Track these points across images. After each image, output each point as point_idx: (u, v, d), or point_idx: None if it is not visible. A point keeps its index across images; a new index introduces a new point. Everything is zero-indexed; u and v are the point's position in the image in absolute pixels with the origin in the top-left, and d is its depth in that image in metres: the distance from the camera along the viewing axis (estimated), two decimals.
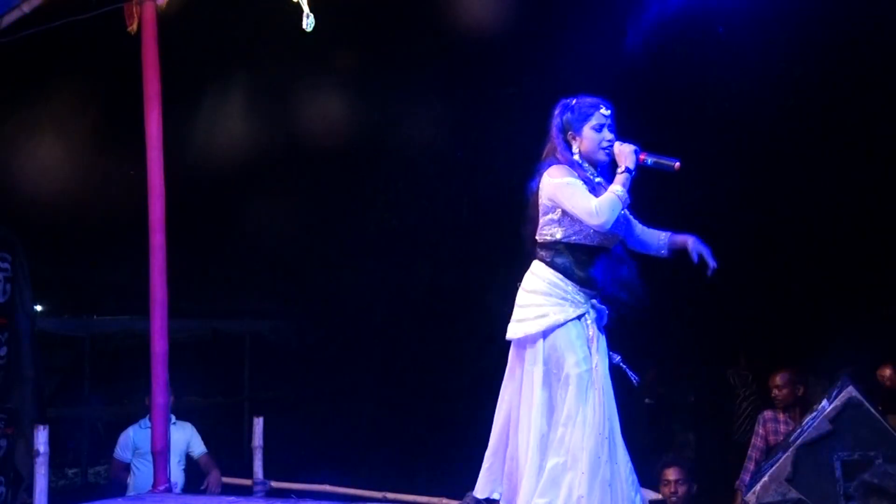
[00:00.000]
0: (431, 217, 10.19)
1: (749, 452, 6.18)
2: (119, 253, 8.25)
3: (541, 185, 3.82)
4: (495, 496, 3.93)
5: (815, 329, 8.38)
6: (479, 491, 3.98)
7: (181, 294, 5.76)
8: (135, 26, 5.44)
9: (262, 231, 9.64)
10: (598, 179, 3.83)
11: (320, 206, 10.11)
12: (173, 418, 6.06)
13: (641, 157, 3.78)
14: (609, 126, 3.84)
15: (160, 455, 5.38)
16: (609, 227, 3.68)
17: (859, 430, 3.79)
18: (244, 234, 9.85)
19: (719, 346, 8.77)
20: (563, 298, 3.75)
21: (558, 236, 3.78)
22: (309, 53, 7.78)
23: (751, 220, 8.49)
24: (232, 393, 11.59)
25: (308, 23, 4.95)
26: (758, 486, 3.89)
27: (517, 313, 3.82)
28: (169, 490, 5.41)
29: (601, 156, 3.84)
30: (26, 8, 5.59)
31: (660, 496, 5.43)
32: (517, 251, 3.99)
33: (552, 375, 3.71)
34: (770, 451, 5.54)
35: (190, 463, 6.60)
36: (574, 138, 3.84)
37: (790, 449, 3.88)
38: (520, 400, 3.79)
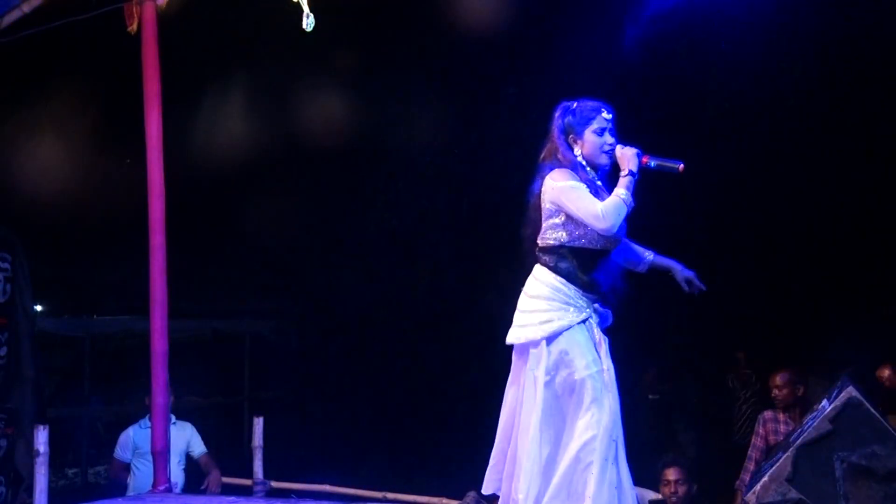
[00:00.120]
0: (431, 217, 10.19)
1: (749, 452, 6.18)
2: (119, 253, 8.25)
3: (543, 188, 3.80)
4: (499, 493, 3.95)
5: (815, 329, 8.39)
6: (485, 487, 3.99)
7: (181, 294, 5.76)
8: (135, 26, 5.44)
9: (262, 231, 9.65)
10: (598, 183, 3.83)
11: (320, 206, 10.12)
12: (173, 418, 6.06)
13: (644, 159, 3.77)
14: (610, 130, 3.83)
15: (160, 455, 5.38)
16: (615, 230, 3.69)
17: (859, 429, 3.79)
18: (244, 234, 9.86)
19: (719, 346, 8.78)
20: (567, 303, 3.74)
21: (563, 240, 3.76)
22: (309, 53, 7.79)
23: (751, 221, 8.50)
24: (232, 393, 11.59)
25: (308, 23, 4.95)
26: (758, 486, 3.89)
27: (520, 318, 3.80)
28: (169, 490, 5.41)
29: (603, 159, 3.83)
30: (26, 8, 5.59)
31: (660, 496, 5.43)
32: (517, 251, 3.98)
33: (558, 380, 3.69)
34: (770, 451, 5.54)
35: (190, 463, 6.59)
36: (575, 141, 3.83)
37: (790, 449, 3.88)
38: (522, 403, 3.78)
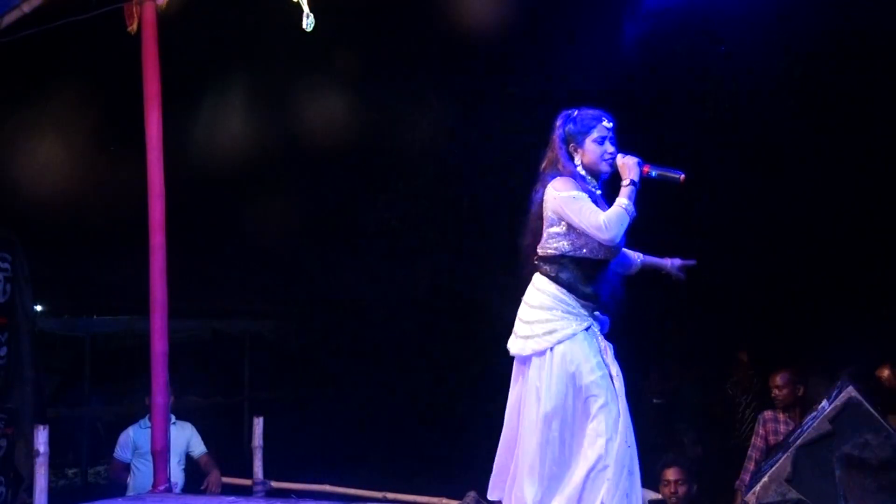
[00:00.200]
0: (431, 216, 10.19)
1: (749, 452, 6.18)
2: (119, 253, 8.24)
3: (545, 198, 3.79)
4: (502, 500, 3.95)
5: (815, 329, 8.38)
6: (489, 493, 4.00)
7: (181, 294, 5.75)
8: (135, 26, 5.44)
9: (263, 231, 9.64)
10: (598, 192, 3.83)
11: (320, 206, 10.11)
12: (173, 418, 6.06)
13: (645, 169, 3.77)
14: (611, 139, 3.83)
15: (160, 455, 5.38)
16: (618, 241, 3.69)
17: (859, 430, 3.78)
18: (244, 234, 9.85)
19: (720, 346, 8.77)
20: (569, 312, 3.73)
21: (565, 250, 3.76)
22: (309, 53, 7.79)
23: (751, 221, 8.49)
24: (232, 393, 11.59)
25: (308, 23, 4.96)
26: (758, 486, 3.89)
27: (522, 328, 3.79)
28: (169, 490, 5.41)
29: (604, 168, 3.82)
30: (26, 8, 5.59)
31: (660, 496, 5.43)
32: (516, 251, 3.98)
33: (565, 387, 3.68)
34: (770, 451, 5.54)
35: (190, 463, 6.59)
36: (576, 150, 3.82)
37: (790, 449, 3.88)
38: (524, 412, 3.78)
